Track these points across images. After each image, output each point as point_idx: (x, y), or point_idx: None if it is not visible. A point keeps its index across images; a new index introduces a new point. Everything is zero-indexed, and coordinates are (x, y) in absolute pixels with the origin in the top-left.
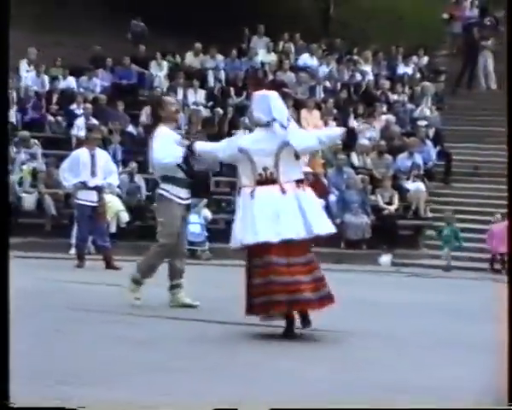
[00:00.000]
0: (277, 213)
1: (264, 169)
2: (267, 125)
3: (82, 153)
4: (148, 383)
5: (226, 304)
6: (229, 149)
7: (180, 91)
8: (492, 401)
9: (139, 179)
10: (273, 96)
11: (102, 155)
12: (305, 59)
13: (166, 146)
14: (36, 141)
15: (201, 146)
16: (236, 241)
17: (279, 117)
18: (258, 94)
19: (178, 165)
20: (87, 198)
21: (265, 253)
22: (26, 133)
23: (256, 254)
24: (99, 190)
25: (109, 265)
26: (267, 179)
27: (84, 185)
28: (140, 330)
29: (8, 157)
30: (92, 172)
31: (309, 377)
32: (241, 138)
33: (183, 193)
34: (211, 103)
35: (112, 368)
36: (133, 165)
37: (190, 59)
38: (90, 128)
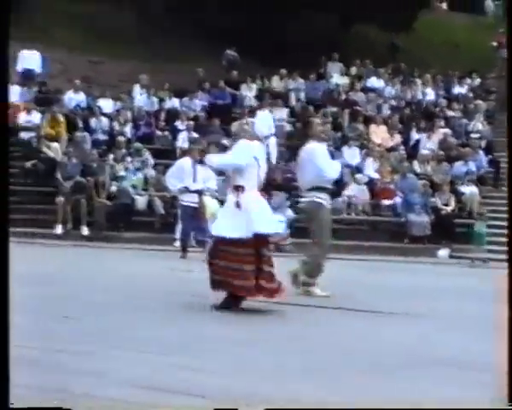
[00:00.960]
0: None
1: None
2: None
3: (185, 162)
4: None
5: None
6: (248, 157)
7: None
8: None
9: None
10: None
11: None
12: (374, 81)
13: (328, 162)
14: (147, 152)
15: (219, 158)
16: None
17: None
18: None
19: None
20: (189, 200)
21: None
22: (139, 145)
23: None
24: (199, 193)
25: None
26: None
27: (186, 189)
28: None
29: (8, 156)
30: (194, 178)
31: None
32: (252, 149)
33: (329, 199)
34: (293, 119)
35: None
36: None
37: (276, 82)
38: (191, 141)
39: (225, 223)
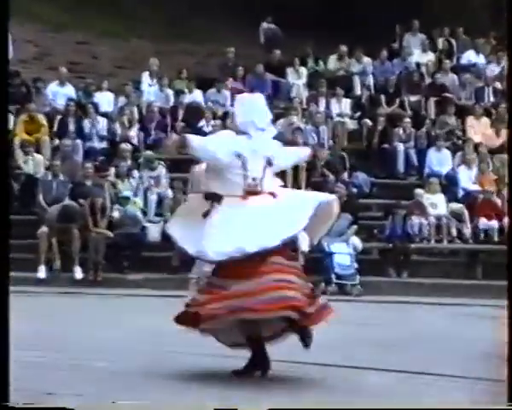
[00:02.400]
0: None
1: (254, 179)
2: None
3: None
4: None
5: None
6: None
7: (322, 101)
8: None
9: None
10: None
11: None
12: (470, 57)
13: None
14: (162, 163)
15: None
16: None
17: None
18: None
19: None
20: None
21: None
22: (150, 154)
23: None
24: None
25: None
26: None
27: None
28: None
29: (8, 161)
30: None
31: None
32: (236, 141)
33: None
34: (358, 114)
35: None
36: None
37: (333, 63)
38: None
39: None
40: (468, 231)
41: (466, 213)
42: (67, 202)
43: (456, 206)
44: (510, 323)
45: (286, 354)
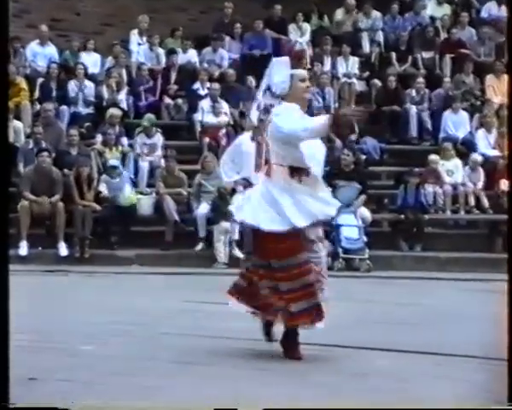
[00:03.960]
0: None
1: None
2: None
3: (245, 140)
4: None
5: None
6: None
7: (327, 61)
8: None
9: None
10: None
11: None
12: (491, 8)
13: None
14: (159, 130)
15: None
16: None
17: None
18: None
19: None
20: None
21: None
22: (151, 117)
23: None
24: None
25: None
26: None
27: (247, 182)
28: None
29: (8, 151)
30: (257, 165)
31: None
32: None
33: None
34: (367, 74)
35: None
36: None
37: (339, 19)
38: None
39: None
40: (485, 200)
41: (483, 180)
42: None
43: (474, 174)
44: (510, 322)
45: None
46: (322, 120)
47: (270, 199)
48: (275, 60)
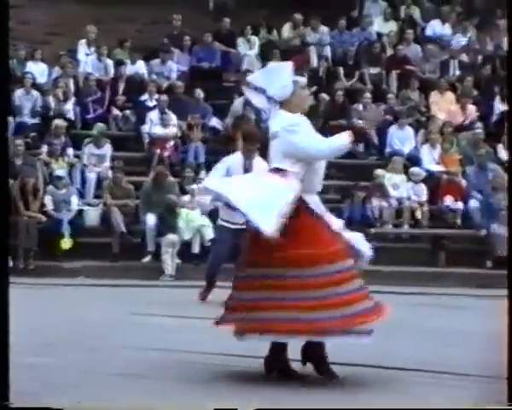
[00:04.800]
0: None
1: None
2: None
3: (234, 160)
4: None
5: None
6: None
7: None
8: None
9: None
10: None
11: (261, 165)
12: (435, 26)
13: None
14: (107, 140)
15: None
16: None
17: None
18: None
19: None
20: (232, 220)
21: None
22: (101, 126)
23: None
24: None
25: None
26: None
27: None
28: None
29: (7, 160)
30: None
31: None
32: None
33: None
34: (314, 88)
35: None
36: None
37: (287, 33)
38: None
39: None
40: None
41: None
42: None
43: (417, 187)
44: (510, 324)
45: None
46: (345, 138)
47: None
48: (275, 64)
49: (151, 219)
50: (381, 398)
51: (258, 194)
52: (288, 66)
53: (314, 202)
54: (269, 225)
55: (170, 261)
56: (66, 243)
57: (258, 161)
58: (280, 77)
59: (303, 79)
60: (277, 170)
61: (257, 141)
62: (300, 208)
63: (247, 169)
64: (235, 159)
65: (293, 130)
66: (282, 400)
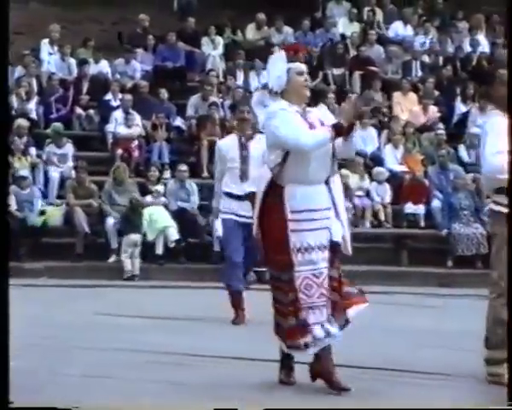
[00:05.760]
0: None
1: None
2: None
3: (229, 144)
4: None
5: None
6: None
7: (240, 74)
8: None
9: (190, 186)
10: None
11: (257, 148)
12: (397, 28)
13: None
14: (69, 140)
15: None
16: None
17: None
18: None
19: None
20: (235, 210)
21: None
22: (58, 127)
23: None
24: (250, 199)
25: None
26: None
27: (229, 195)
28: None
29: (8, 161)
30: (243, 173)
31: None
32: None
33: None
34: None
35: None
36: (183, 168)
37: (252, 33)
38: (233, 108)
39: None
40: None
41: (390, 194)
42: None
43: (381, 188)
44: (510, 323)
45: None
46: (325, 133)
47: None
48: (272, 56)
49: (111, 219)
50: (362, 399)
51: None
52: (281, 55)
53: (300, 193)
54: None
55: (129, 261)
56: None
57: (254, 143)
58: (275, 67)
59: (298, 65)
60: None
61: (249, 122)
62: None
63: (242, 148)
64: (230, 140)
65: (270, 118)
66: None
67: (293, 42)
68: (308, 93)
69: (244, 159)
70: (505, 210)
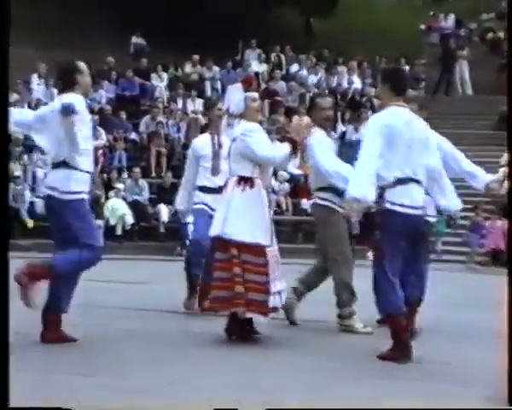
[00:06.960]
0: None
1: None
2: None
3: (200, 143)
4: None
5: None
6: None
7: (180, 101)
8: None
9: (142, 183)
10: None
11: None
12: (295, 69)
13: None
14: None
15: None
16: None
17: None
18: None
19: None
20: (206, 202)
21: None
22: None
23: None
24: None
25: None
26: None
27: (201, 188)
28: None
29: (8, 158)
30: (214, 165)
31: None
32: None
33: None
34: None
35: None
36: (137, 170)
37: (189, 70)
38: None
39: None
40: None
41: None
42: None
43: (283, 186)
44: (510, 324)
45: None
46: (286, 148)
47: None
48: (230, 87)
49: None
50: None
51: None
52: (239, 86)
53: None
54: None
55: None
56: (30, 223)
57: (225, 138)
58: (234, 96)
59: (253, 94)
60: (242, 179)
61: (223, 119)
62: None
63: (215, 146)
64: (203, 139)
65: (247, 134)
66: None
67: (247, 76)
68: (260, 116)
69: (216, 154)
70: (326, 203)
